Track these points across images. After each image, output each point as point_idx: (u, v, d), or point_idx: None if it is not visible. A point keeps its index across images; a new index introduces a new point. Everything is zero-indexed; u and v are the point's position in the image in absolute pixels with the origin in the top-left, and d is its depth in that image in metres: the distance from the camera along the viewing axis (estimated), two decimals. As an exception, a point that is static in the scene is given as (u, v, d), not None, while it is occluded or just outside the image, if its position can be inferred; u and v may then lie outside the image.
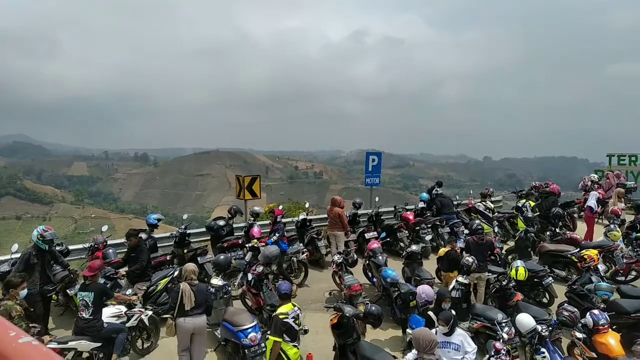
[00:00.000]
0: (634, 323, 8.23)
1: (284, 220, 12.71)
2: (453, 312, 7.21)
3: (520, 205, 13.67)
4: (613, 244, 11.28)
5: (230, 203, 12.68)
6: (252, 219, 11.96)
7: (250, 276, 8.90)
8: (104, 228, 10.75)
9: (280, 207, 13.09)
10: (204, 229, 11.99)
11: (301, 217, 12.60)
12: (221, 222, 11.25)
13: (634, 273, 10.97)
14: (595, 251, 9.90)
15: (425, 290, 8.22)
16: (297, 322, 6.45)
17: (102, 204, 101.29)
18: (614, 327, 8.03)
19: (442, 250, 10.24)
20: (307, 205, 14.31)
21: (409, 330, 7.97)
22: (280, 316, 6.35)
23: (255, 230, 11.49)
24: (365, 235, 12.38)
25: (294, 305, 6.57)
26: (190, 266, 7.29)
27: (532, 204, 13.85)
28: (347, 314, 7.62)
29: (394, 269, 10.06)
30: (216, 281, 8.11)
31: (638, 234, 11.75)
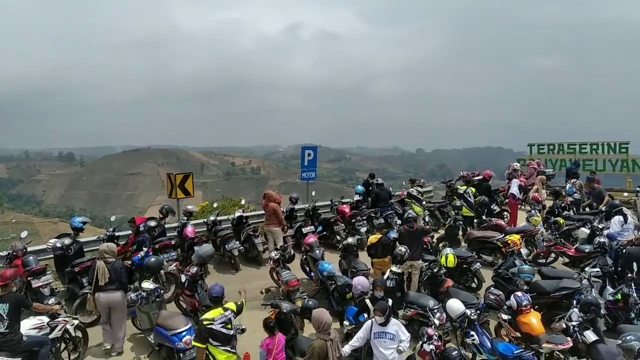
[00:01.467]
0: (553, 302, 8.80)
1: (219, 218, 12.49)
2: (390, 301, 7.39)
3: (462, 192, 14.21)
4: (534, 229, 12.00)
5: (164, 202, 12.23)
6: (185, 218, 11.63)
7: (184, 277, 8.66)
8: (24, 234, 10.02)
9: (215, 204, 12.82)
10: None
11: (237, 214, 12.42)
12: (152, 223, 10.85)
13: (553, 255, 11.72)
14: (518, 236, 10.52)
15: (360, 282, 8.35)
16: (228, 326, 6.30)
17: (24, 208, 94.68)
18: (536, 307, 8.58)
19: (374, 237, 10.38)
20: (243, 202, 14.13)
21: (345, 322, 8.09)
22: (205, 322, 6.17)
23: (189, 230, 11.20)
24: (303, 230, 12.41)
25: (225, 310, 6.41)
26: (104, 246, 7.90)
27: (474, 190, 14.45)
28: (285, 310, 7.61)
29: (332, 262, 10.17)
30: (147, 284, 7.80)
31: (556, 218, 12.58)
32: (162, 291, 8.11)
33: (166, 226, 11.41)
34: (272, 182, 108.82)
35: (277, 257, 9.92)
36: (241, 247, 11.55)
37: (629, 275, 8.40)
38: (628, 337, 6.37)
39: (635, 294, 8.21)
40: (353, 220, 13.29)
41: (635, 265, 8.37)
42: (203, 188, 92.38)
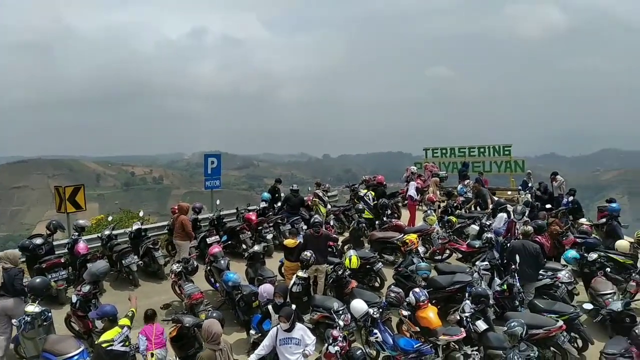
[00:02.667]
0: (448, 296, 9.40)
1: (115, 232, 11.76)
2: (294, 306, 7.40)
3: (362, 195, 14.65)
4: (430, 228, 12.71)
5: (53, 218, 11.25)
6: (77, 233, 10.78)
7: (75, 297, 8.02)
8: None
9: (110, 217, 12.05)
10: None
11: (135, 227, 11.73)
12: (38, 241, 9.91)
13: (448, 251, 12.51)
14: (415, 235, 11.10)
15: (266, 289, 8.29)
16: (127, 343, 5.94)
17: None
18: (434, 301, 9.08)
19: (292, 242, 10.30)
20: (141, 214, 13.39)
21: (252, 332, 7.98)
22: (104, 345, 5.78)
23: (81, 246, 10.43)
24: (207, 240, 12.03)
25: (121, 327, 6.04)
26: (2, 253, 7.89)
27: (373, 194, 14.97)
28: (187, 325, 7.34)
29: (238, 271, 10.01)
30: (32, 308, 7.10)
31: (449, 217, 13.46)
32: (49, 313, 7.43)
33: (55, 243, 10.50)
34: (176, 191, 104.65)
35: (179, 270, 9.53)
36: (140, 262, 10.93)
37: (513, 267, 9.18)
38: (512, 324, 6.96)
39: (518, 284, 9.01)
40: (260, 228, 13.17)
41: (517, 257, 9.16)
42: (100, 200, 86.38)
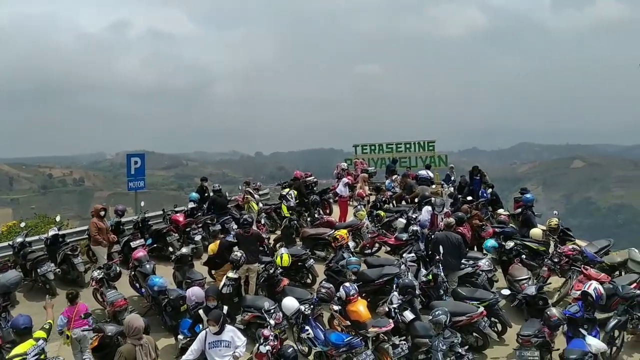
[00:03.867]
0: (377, 288, 9.62)
1: (28, 239, 10.96)
2: (226, 308, 7.27)
3: (284, 194, 14.63)
4: (360, 223, 12.95)
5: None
6: (-17, 242, 9.93)
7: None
8: None
9: (23, 223, 11.20)
10: None
11: (51, 233, 10.98)
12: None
13: (377, 245, 12.79)
14: (346, 231, 11.28)
15: (195, 292, 8.11)
16: (42, 357, 5.54)
17: None
18: (363, 294, 9.27)
19: (214, 245, 10.18)
20: (58, 218, 12.58)
21: (180, 336, 7.73)
22: (15, 359, 5.37)
23: (-12, 255, 9.59)
24: (131, 244, 11.50)
25: (37, 340, 5.63)
26: None
27: (296, 192, 14.98)
28: (110, 334, 7.00)
29: (166, 275, 9.69)
30: None
31: (378, 212, 13.79)
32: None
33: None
34: (99, 193, 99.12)
35: (101, 276, 9.06)
36: (57, 270, 10.26)
37: (437, 257, 9.56)
38: (437, 312, 7.26)
39: (442, 274, 9.40)
40: (188, 229, 12.80)
41: (441, 248, 9.55)
42: (13, 205, 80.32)
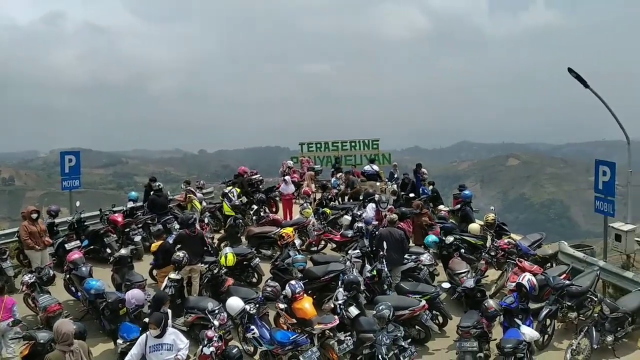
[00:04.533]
0: (323, 285, 9.67)
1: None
2: (169, 311, 7.05)
3: (226, 192, 14.42)
4: (306, 220, 12.96)
5: None
6: None
7: None
8: None
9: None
10: None
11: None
12: None
13: (323, 242, 12.88)
14: (292, 228, 11.26)
15: (135, 295, 7.85)
16: None
17: None
18: (309, 291, 9.30)
19: (155, 245, 9.90)
20: (-16, 220, 11.74)
21: (119, 341, 7.42)
22: None
23: None
24: (66, 246, 10.93)
25: None
26: None
27: (239, 190, 14.80)
28: (42, 341, 6.61)
29: (105, 277, 9.31)
30: None
31: (324, 209, 13.86)
32: None
33: None
34: (31, 193, 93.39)
35: (32, 280, 8.56)
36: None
37: (381, 253, 9.74)
38: (380, 307, 7.40)
39: (386, 269, 9.59)
40: (127, 230, 12.32)
41: (385, 244, 9.74)
42: None
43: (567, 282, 8.80)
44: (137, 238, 12.15)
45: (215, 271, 9.37)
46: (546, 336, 8.45)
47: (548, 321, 8.48)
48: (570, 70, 9.94)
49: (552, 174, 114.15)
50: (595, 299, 8.70)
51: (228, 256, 9.53)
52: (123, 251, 9.98)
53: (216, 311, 7.78)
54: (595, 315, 8.40)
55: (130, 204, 13.53)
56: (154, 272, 10.10)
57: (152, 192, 13.93)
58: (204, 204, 14.51)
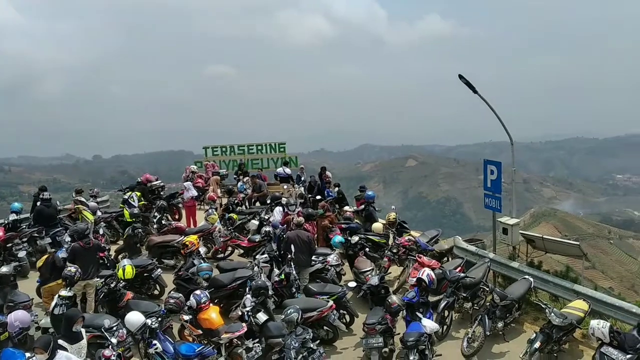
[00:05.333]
0: (231, 293, 9.45)
1: None
2: (83, 330, 6.47)
3: (126, 197, 13.64)
4: (212, 227, 12.59)
5: None
6: None
7: None
8: None
9: None
10: None
11: None
12: None
13: (230, 249, 12.60)
14: (196, 236, 10.88)
15: (18, 317, 7.13)
16: None
17: None
18: (217, 300, 9.04)
19: (41, 260, 9.07)
20: None
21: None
22: None
23: None
24: None
25: None
26: None
27: (139, 194, 14.07)
28: None
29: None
30: None
31: (230, 214, 13.57)
32: None
33: None
34: None
35: None
36: None
37: (289, 256, 9.74)
38: (289, 311, 7.38)
39: (294, 272, 9.60)
40: (9, 245, 11.14)
41: (293, 247, 9.75)
42: None
43: (462, 274, 9.39)
44: (22, 254, 11.07)
45: (113, 285, 8.78)
46: (445, 327, 8.97)
47: (446, 312, 9.01)
48: (460, 76, 10.60)
49: (446, 174, 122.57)
50: (487, 289, 9.40)
51: (126, 268, 8.98)
52: (4, 269, 8.95)
53: (114, 328, 7.27)
54: (487, 304, 9.07)
55: (12, 216, 12.25)
56: (42, 289, 9.21)
57: (38, 203, 12.74)
58: (99, 213, 13.53)
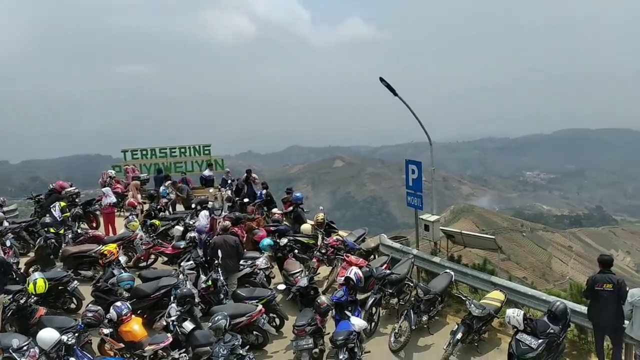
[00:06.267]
0: (155, 303, 9.06)
1: None
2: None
3: (49, 207, 12.81)
4: (133, 234, 12.01)
5: None
6: None
7: None
8: None
9: None
10: None
11: None
12: None
13: (153, 256, 12.09)
14: (115, 245, 10.32)
15: None
16: None
17: None
18: (139, 311, 8.63)
19: None
20: None
21: None
22: None
23: None
24: None
25: None
26: None
27: (63, 204, 13.17)
28: None
29: None
30: None
31: (152, 221, 13.01)
32: None
33: None
34: None
35: None
36: None
37: (216, 262, 9.51)
38: (216, 318, 7.20)
39: (221, 278, 9.39)
40: None
41: (220, 252, 9.53)
42: None
43: (388, 271, 9.64)
44: None
45: (22, 301, 8.09)
46: (373, 323, 9.17)
47: (374, 309, 9.21)
48: (381, 79, 10.88)
49: (372, 174, 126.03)
50: (412, 284, 9.73)
51: (38, 282, 8.33)
52: None
53: (24, 348, 6.70)
54: (412, 299, 9.39)
55: None
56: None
57: None
58: (6, 223, 12.47)
